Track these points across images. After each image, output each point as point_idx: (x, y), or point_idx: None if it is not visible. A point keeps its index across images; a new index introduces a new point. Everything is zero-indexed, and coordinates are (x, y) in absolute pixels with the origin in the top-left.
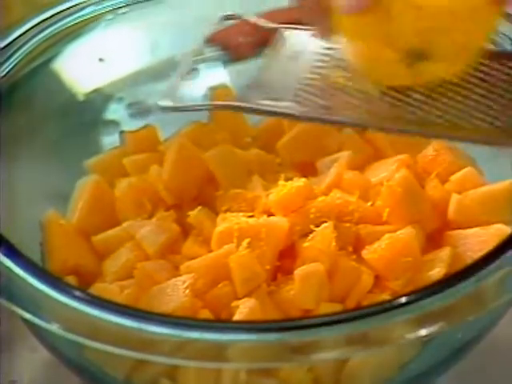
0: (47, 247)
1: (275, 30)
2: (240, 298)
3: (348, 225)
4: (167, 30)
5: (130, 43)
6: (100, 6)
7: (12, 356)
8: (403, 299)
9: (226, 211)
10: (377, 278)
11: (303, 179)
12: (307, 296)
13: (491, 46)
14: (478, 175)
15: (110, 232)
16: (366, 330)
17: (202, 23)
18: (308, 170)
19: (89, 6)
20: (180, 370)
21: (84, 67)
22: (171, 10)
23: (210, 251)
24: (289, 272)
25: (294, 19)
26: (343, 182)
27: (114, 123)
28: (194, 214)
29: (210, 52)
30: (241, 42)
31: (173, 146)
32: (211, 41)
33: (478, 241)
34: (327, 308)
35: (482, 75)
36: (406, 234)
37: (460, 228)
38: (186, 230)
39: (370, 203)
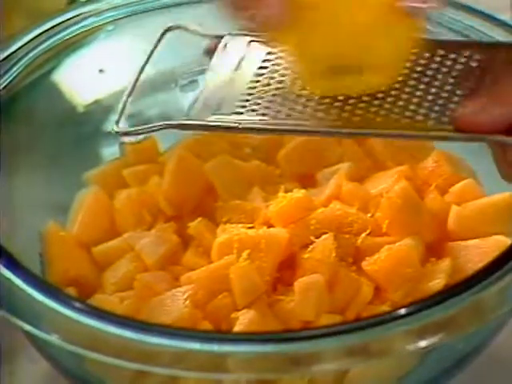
0: (47, 258)
1: (220, 38)
2: (240, 310)
3: (348, 236)
4: (167, 41)
5: (130, 54)
6: (100, 18)
7: (12, 367)
8: (403, 310)
9: (225, 222)
10: (377, 289)
11: (303, 191)
12: (307, 307)
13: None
14: (477, 187)
15: (110, 243)
16: (365, 342)
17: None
18: (308, 181)
19: (89, 17)
20: (180, 381)
21: (84, 78)
22: (171, 21)
23: (210, 262)
24: (289, 283)
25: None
26: (343, 193)
27: (114, 135)
28: (194, 226)
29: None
30: None
31: (173, 157)
32: (210, 52)
33: (477, 252)
34: (327, 319)
35: (423, 69)
36: (406, 246)
37: (460, 239)
38: (185, 241)
39: (369, 215)
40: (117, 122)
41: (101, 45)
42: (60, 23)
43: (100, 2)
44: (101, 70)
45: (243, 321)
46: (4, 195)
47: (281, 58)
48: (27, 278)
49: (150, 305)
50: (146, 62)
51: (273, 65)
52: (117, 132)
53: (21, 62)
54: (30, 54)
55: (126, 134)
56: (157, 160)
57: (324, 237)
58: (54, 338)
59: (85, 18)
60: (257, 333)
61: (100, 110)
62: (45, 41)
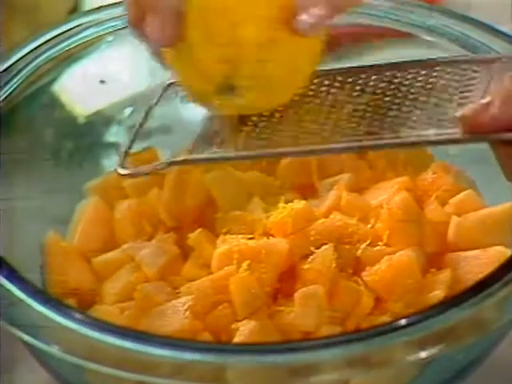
0: (47, 269)
1: None
2: (240, 320)
3: (348, 247)
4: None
5: (130, 65)
6: (100, 28)
7: (12, 377)
8: (403, 321)
9: (225, 233)
10: (377, 299)
11: (303, 201)
12: (307, 318)
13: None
14: (477, 198)
15: (110, 254)
16: (366, 352)
17: None
18: (308, 192)
19: (89, 27)
20: None
21: (85, 89)
22: None
23: (210, 273)
24: (289, 294)
25: None
26: (343, 204)
27: (115, 146)
28: (194, 236)
29: None
30: None
31: (173, 168)
32: None
33: (478, 263)
34: (327, 330)
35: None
36: (406, 256)
37: (460, 250)
38: (185, 252)
39: (369, 225)
40: (121, 164)
41: (101, 55)
42: (60, 34)
43: (100, 13)
44: (102, 81)
45: (243, 332)
46: (4, 206)
47: None
48: (27, 288)
49: (150, 315)
50: (146, 118)
51: None
52: (122, 174)
53: (21, 73)
54: (31, 65)
55: (131, 175)
56: (157, 171)
57: (324, 247)
58: (53, 349)
59: (85, 29)
60: (257, 344)
61: (101, 120)
62: (45, 51)
